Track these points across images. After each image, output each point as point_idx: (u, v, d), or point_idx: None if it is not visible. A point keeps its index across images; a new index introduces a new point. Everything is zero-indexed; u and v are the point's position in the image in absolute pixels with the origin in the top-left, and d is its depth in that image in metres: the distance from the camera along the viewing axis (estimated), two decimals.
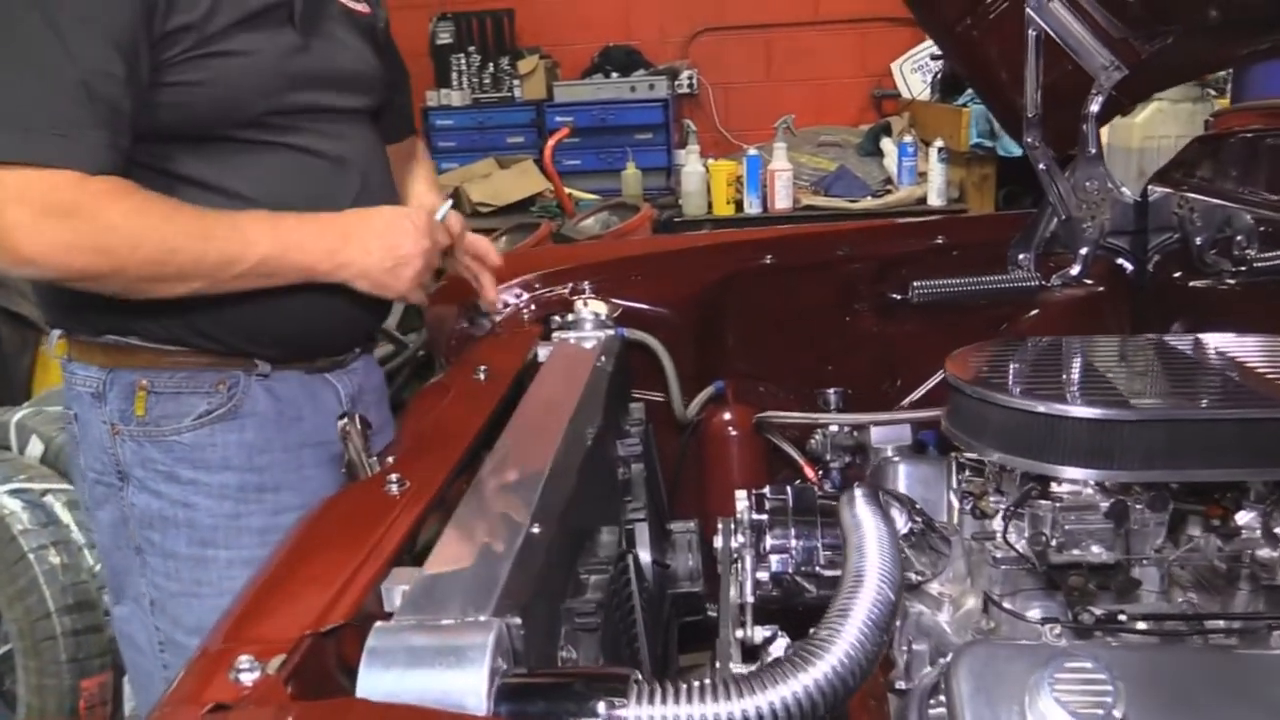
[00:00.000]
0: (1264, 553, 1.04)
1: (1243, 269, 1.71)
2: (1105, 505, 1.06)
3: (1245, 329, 1.35)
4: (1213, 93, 3.81)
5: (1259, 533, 1.07)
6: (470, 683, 0.69)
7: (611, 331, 1.65)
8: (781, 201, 4.60)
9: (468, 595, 0.79)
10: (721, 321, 1.90)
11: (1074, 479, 1.07)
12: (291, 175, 1.35)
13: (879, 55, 5.57)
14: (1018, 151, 4.21)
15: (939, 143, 4.47)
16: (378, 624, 0.74)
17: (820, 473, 1.77)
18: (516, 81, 5.46)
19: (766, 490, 1.45)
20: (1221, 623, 1.05)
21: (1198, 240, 1.80)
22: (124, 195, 1.19)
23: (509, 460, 1.09)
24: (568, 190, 4.26)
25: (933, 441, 1.76)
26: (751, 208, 4.66)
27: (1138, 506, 1.06)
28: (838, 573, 1.34)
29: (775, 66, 5.78)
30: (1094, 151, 1.86)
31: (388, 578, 0.85)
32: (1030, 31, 1.76)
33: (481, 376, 1.41)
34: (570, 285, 1.82)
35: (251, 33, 1.27)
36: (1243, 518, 1.08)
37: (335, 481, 1.45)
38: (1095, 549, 1.06)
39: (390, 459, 1.17)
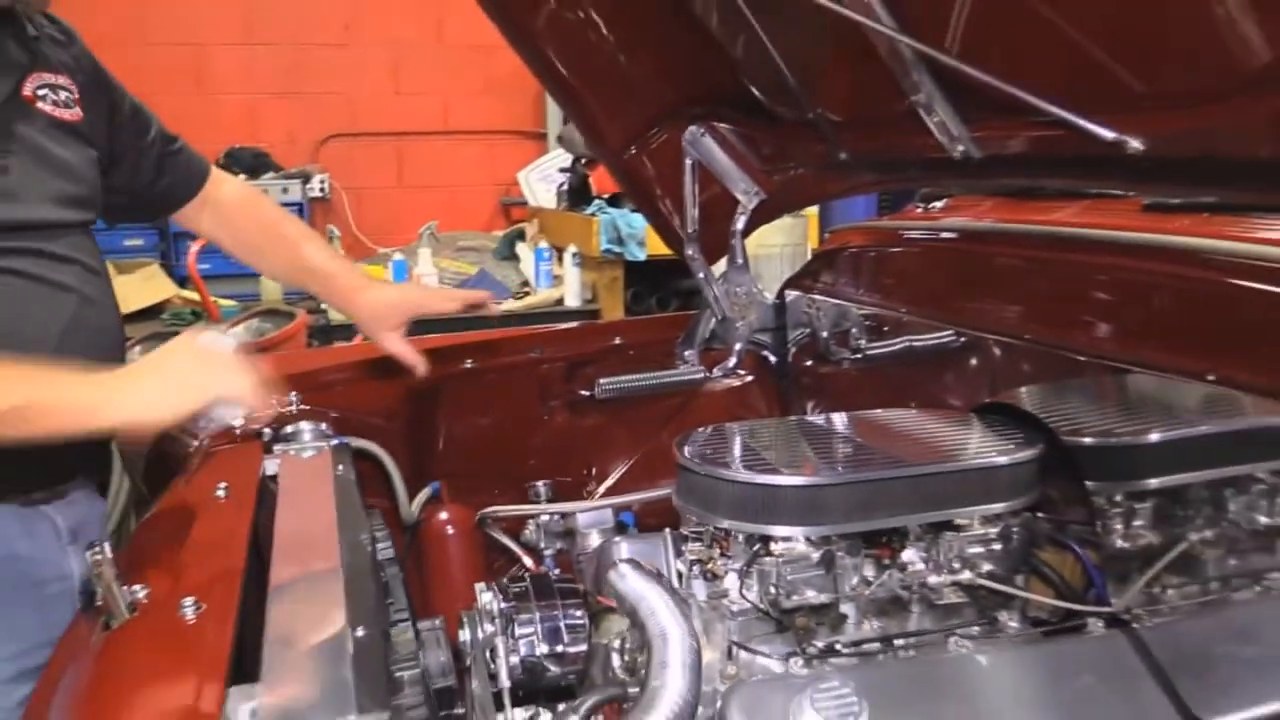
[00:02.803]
0: (932, 579, 1.32)
1: (857, 356, 2.10)
2: (816, 555, 1.29)
3: (863, 404, 1.68)
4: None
5: (920, 564, 1.36)
6: None
7: (335, 441, 1.67)
8: None
9: (326, 701, 0.82)
10: (432, 424, 1.98)
11: (790, 536, 1.29)
12: None
13: (506, 165, 5.92)
14: (643, 256, 4.68)
15: (573, 248, 4.83)
16: None
17: (538, 560, 1.90)
18: None
19: (507, 580, 1.56)
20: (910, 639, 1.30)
21: (823, 334, 2.17)
22: None
23: (299, 572, 1.10)
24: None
25: (631, 522, 1.96)
26: None
27: (839, 553, 1.31)
28: (581, 649, 1.48)
29: (407, 173, 5.93)
30: (740, 261, 2.19)
31: (229, 698, 0.85)
32: (686, 160, 2.06)
33: (222, 494, 1.38)
34: (275, 398, 1.81)
35: None
36: (908, 554, 1.36)
37: (53, 621, 1.36)
38: (811, 592, 1.29)
39: (139, 589, 1.12)
